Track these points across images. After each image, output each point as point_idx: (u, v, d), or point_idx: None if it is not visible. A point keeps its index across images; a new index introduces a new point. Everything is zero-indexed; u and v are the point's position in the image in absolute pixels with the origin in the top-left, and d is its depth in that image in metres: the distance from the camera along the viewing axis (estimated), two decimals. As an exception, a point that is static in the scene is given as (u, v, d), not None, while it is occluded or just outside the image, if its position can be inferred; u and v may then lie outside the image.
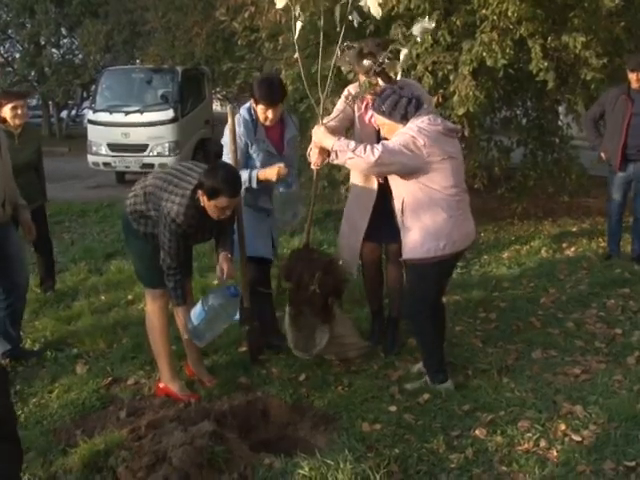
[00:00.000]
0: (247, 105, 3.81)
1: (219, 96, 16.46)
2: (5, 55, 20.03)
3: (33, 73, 19.16)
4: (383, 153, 3.16)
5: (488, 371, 3.68)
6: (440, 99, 6.09)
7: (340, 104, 3.77)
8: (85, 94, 20.06)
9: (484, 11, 5.69)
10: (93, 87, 13.70)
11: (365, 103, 3.64)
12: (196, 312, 3.31)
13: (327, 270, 3.59)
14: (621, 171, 5.49)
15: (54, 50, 18.95)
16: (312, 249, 3.89)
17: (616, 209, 5.68)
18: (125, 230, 3.52)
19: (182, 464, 2.65)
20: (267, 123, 3.74)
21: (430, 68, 5.97)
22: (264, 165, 3.73)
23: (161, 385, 3.58)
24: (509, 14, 5.51)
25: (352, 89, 3.74)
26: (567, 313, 4.56)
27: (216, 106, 15.47)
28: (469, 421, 3.18)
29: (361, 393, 3.46)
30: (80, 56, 18.54)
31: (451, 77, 5.96)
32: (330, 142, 3.33)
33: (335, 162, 3.44)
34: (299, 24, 3.30)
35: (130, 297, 5.08)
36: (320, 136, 3.41)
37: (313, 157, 3.55)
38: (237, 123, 3.68)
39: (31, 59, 18.39)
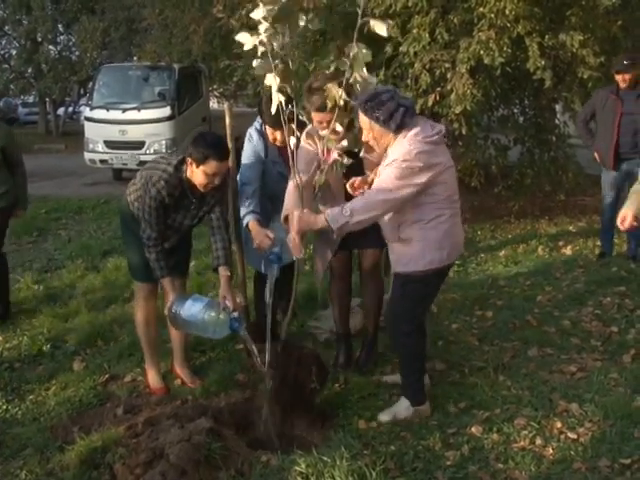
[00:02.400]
0: (257, 124, 3.60)
1: (216, 93, 16.49)
2: (2, 52, 20.01)
3: (30, 70, 19.17)
4: (386, 198, 2.88)
5: (484, 369, 3.69)
6: (437, 97, 6.10)
7: (304, 152, 3.22)
8: (82, 91, 20.06)
9: (482, 9, 5.71)
10: (90, 84, 13.69)
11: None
12: (192, 309, 3.18)
13: (319, 364, 3.26)
14: (614, 170, 5.51)
15: (51, 47, 18.95)
16: (293, 344, 3.42)
17: (609, 207, 5.69)
18: (123, 224, 3.53)
19: (179, 461, 2.65)
20: (277, 144, 3.56)
21: (427, 66, 5.99)
22: (275, 187, 3.55)
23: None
24: (506, 12, 5.53)
25: (312, 131, 3.24)
26: (563, 311, 4.56)
27: (213, 103, 15.49)
28: (465, 419, 3.18)
29: (358, 391, 3.46)
30: (77, 53, 18.55)
31: (448, 75, 5.97)
32: (322, 222, 2.88)
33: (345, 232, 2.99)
34: (281, 98, 2.74)
35: (127, 294, 5.07)
36: (309, 221, 2.91)
37: (294, 247, 2.93)
38: (248, 139, 3.57)
39: (28, 56, 18.39)
